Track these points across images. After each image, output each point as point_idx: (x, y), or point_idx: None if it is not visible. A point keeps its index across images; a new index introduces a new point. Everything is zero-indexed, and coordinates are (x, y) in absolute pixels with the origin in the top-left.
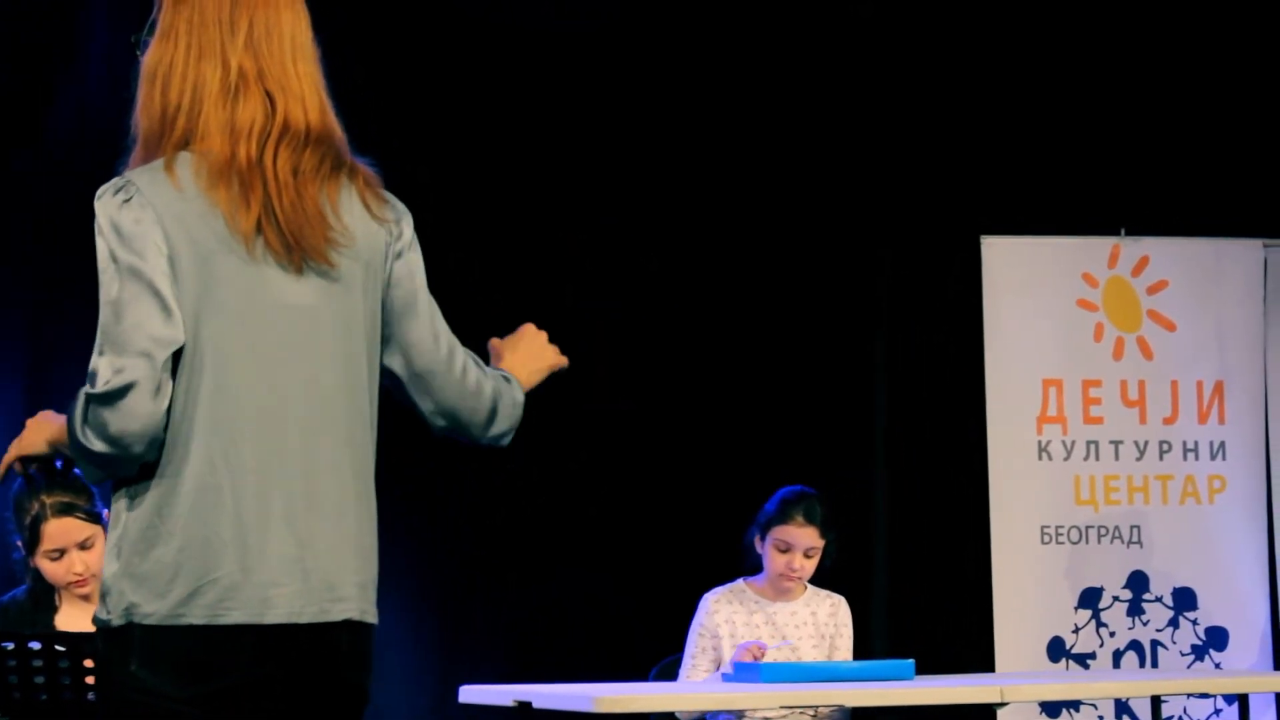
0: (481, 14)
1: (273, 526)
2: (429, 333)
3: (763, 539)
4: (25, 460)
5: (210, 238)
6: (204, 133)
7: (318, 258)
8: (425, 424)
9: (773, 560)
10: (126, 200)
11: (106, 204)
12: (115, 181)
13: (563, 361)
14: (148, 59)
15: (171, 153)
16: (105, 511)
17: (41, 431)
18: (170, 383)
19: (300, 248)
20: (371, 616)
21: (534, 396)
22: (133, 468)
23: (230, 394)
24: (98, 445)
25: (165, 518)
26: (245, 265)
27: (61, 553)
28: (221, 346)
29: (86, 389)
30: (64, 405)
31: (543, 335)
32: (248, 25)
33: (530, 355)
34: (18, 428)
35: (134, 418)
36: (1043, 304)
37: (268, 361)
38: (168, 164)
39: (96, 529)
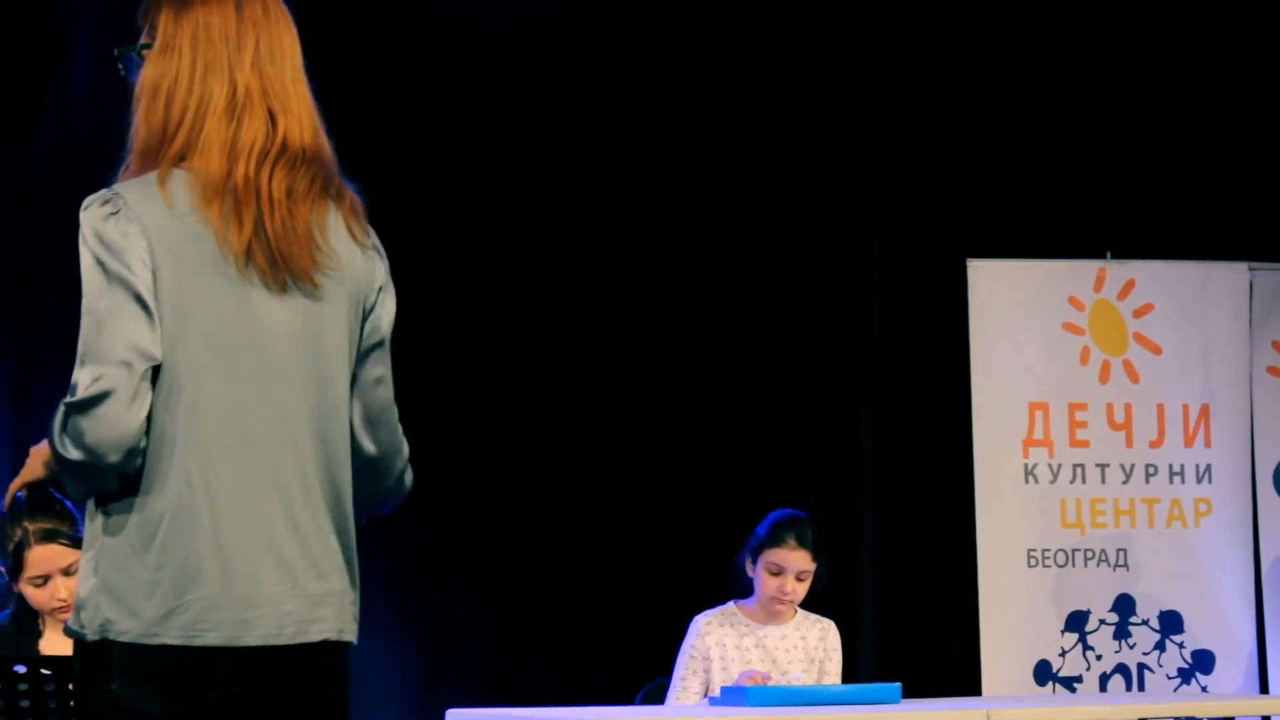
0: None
1: (250, 547)
2: (388, 375)
3: (754, 562)
4: (27, 487)
5: (196, 256)
6: (203, 149)
7: (304, 278)
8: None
9: (764, 583)
10: (113, 213)
11: (92, 214)
12: (102, 193)
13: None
14: (149, 72)
15: (166, 167)
16: None
17: (38, 457)
18: (149, 393)
19: (287, 267)
20: (350, 635)
21: (519, 421)
22: (112, 479)
23: (208, 414)
24: (74, 454)
25: (143, 536)
26: (229, 285)
27: (45, 579)
28: (199, 367)
29: (65, 399)
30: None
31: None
32: (254, 44)
33: None
34: (2, 451)
35: (110, 426)
36: (1029, 327)
37: (245, 383)
38: (161, 178)
39: (80, 555)
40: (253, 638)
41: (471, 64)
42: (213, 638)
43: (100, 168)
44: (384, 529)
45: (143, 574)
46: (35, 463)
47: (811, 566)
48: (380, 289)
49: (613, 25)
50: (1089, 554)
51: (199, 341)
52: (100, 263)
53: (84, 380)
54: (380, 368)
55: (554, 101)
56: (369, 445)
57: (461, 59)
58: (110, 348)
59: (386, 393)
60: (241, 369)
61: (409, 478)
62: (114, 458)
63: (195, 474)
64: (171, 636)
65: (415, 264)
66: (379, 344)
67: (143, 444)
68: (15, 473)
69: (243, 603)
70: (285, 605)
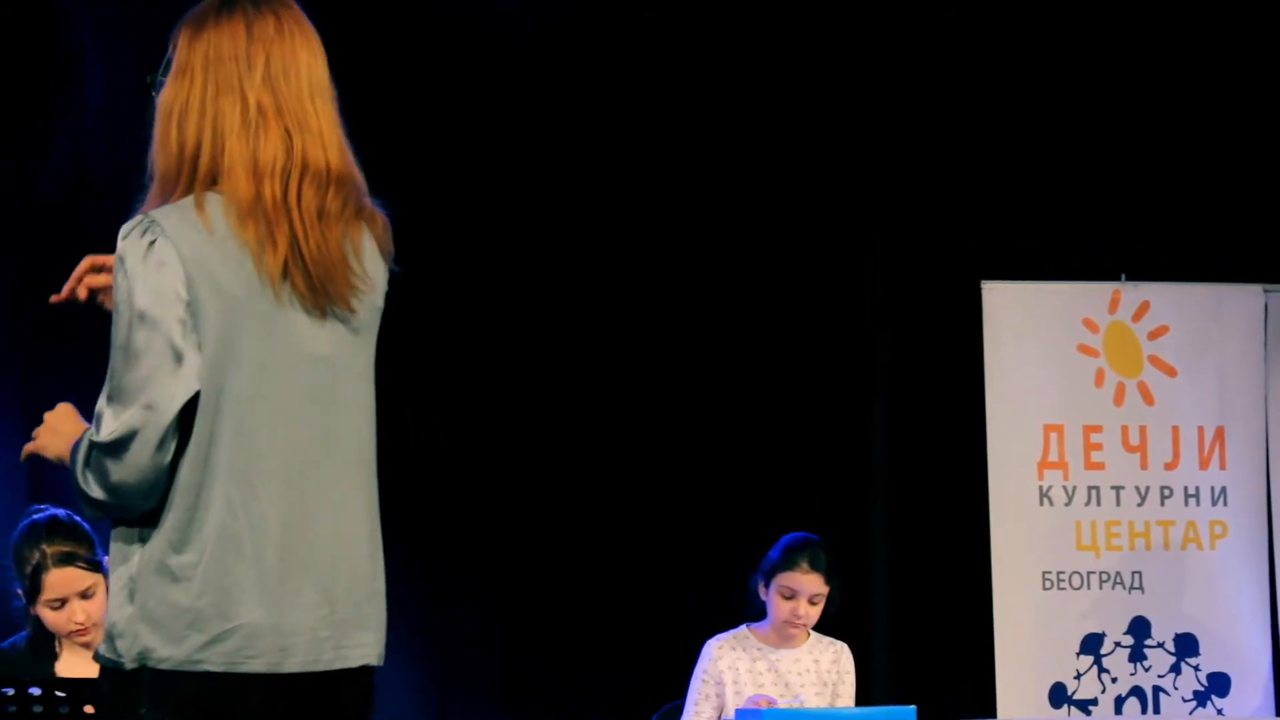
0: (454, 12)
1: (293, 574)
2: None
3: (767, 585)
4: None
5: (236, 281)
6: (229, 169)
7: (341, 304)
8: None
9: (777, 607)
10: (151, 242)
11: (131, 244)
12: (140, 220)
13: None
14: (164, 96)
15: (201, 190)
16: (105, 560)
17: (57, 435)
18: (175, 437)
19: (326, 293)
20: (379, 660)
21: (532, 440)
22: (131, 514)
23: (251, 442)
24: (96, 492)
25: (185, 563)
26: (271, 310)
27: (63, 602)
28: (243, 394)
29: (90, 434)
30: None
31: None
32: (264, 61)
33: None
34: (13, 472)
35: (134, 469)
36: (1043, 349)
37: (289, 410)
38: (198, 202)
39: (98, 578)
40: (292, 664)
41: (475, 65)
42: (255, 665)
43: (108, 196)
44: (396, 549)
45: (185, 601)
46: (50, 440)
47: (824, 590)
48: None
49: (618, 29)
50: (1104, 576)
51: (242, 368)
52: (134, 298)
53: (110, 420)
54: None
55: (558, 106)
56: None
57: (464, 60)
58: (139, 389)
59: None
60: (286, 396)
61: None
62: (136, 499)
63: (238, 501)
64: (214, 664)
65: (419, 267)
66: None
67: (164, 484)
68: (30, 493)
69: (285, 630)
70: (323, 631)
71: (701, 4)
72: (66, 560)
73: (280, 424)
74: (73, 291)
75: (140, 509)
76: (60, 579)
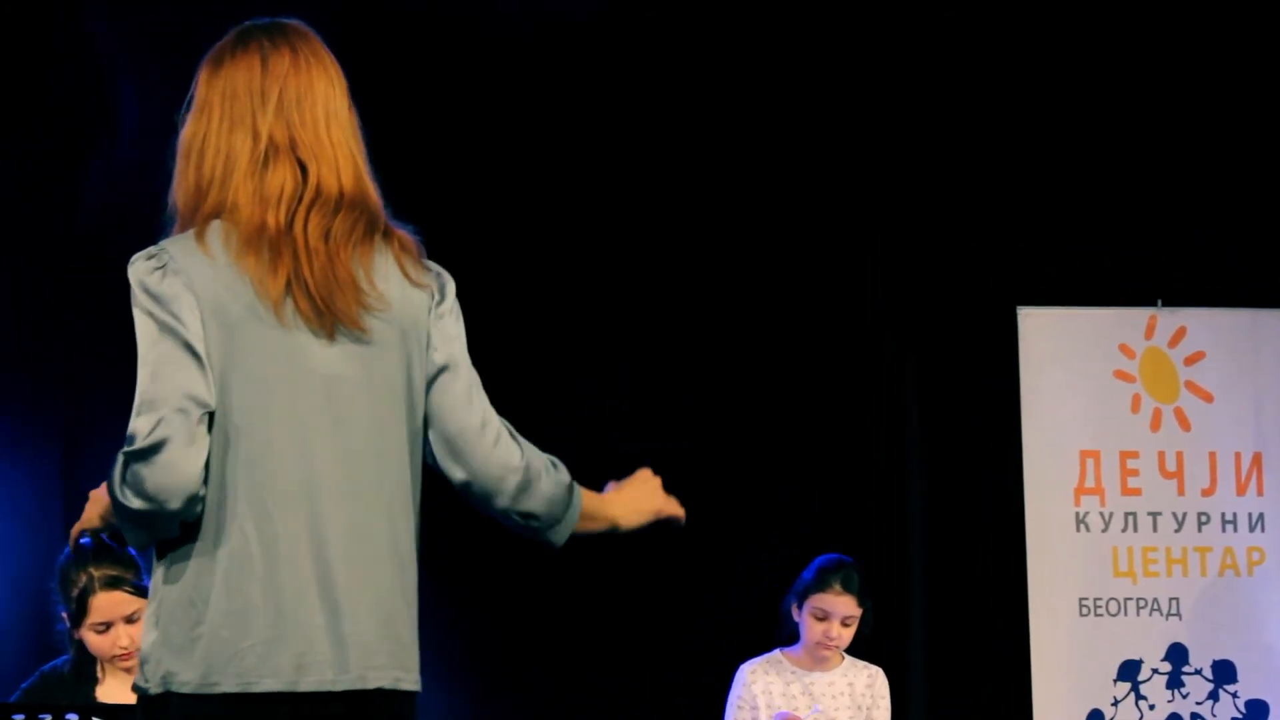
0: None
1: (306, 595)
2: (464, 398)
3: (800, 607)
4: (82, 534)
5: (238, 306)
6: (234, 203)
7: (349, 323)
8: (458, 494)
9: (810, 629)
10: (159, 267)
11: (139, 269)
12: (148, 249)
13: (674, 511)
14: (183, 134)
15: (203, 223)
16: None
17: (96, 505)
18: (207, 438)
19: (331, 313)
20: (409, 684)
21: (587, 470)
22: (173, 526)
23: (262, 463)
24: (136, 503)
25: (200, 587)
26: (275, 333)
27: (108, 626)
28: (252, 415)
29: (124, 448)
30: (104, 475)
31: (656, 481)
32: (278, 94)
33: (635, 496)
34: (53, 496)
35: (170, 472)
36: (1079, 375)
37: (299, 429)
38: (199, 233)
39: (143, 603)
40: (308, 684)
41: (470, 63)
42: (268, 684)
43: (147, 224)
44: (464, 587)
45: (199, 625)
46: (92, 512)
47: (857, 612)
48: (440, 316)
49: (618, 30)
50: (1141, 603)
51: (252, 390)
52: (150, 314)
53: (141, 429)
54: (449, 395)
55: (555, 107)
56: (456, 473)
57: (460, 58)
58: (166, 395)
59: (465, 417)
60: (296, 415)
61: (545, 487)
62: (175, 504)
63: (250, 523)
64: (229, 684)
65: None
66: (444, 369)
67: (202, 491)
68: (68, 515)
69: (298, 649)
70: (341, 651)
71: (710, 4)
72: (113, 584)
73: (291, 445)
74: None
75: (180, 516)
76: (106, 603)
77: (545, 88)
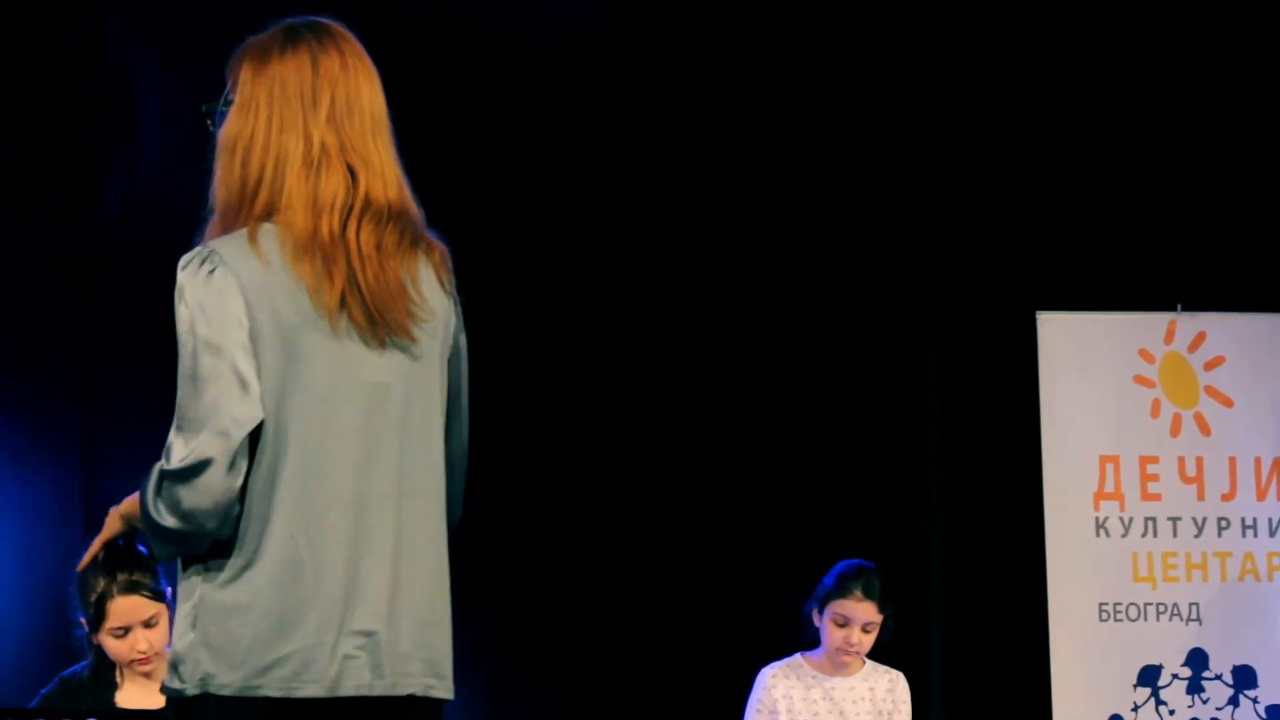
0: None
1: (352, 602)
2: (466, 417)
3: (820, 613)
4: (106, 546)
5: (294, 312)
6: (286, 204)
7: (400, 333)
8: None
9: (830, 634)
10: (211, 271)
11: (190, 274)
12: (199, 251)
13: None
14: (227, 130)
15: (255, 223)
16: (168, 590)
17: (117, 520)
18: (245, 461)
19: (384, 322)
20: (441, 691)
21: (588, 470)
22: (203, 545)
23: (313, 470)
24: (169, 521)
25: (246, 591)
26: (329, 341)
27: (126, 630)
28: (305, 423)
29: (161, 464)
30: (121, 478)
31: None
32: (329, 99)
33: None
34: (72, 501)
35: (207, 495)
36: (1099, 380)
37: (351, 439)
38: (251, 234)
39: (161, 607)
40: (347, 689)
41: (470, 64)
42: (310, 690)
43: (166, 228)
44: (465, 587)
45: (245, 628)
46: (114, 520)
47: (878, 618)
48: (460, 330)
49: (618, 30)
50: (1161, 608)
51: (303, 396)
52: (196, 326)
53: (180, 448)
54: (460, 414)
55: (553, 108)
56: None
57: (460, 60)
58: (207, 416)
59: (461, 441)
60: (348, 424)
61: (457, 514)
62: (210, 525)
63: (299, 530)
64: (271, 689)
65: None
66: (460, 390)
67: (236, 510)
68: (87, 520)
69: (341, 656)
70: (379, 658)
71: (711, 6)
72: (131, 589)
73: (342, 452)
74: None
75: (212, 536)
76: (125, 607)
77: (545, 88)
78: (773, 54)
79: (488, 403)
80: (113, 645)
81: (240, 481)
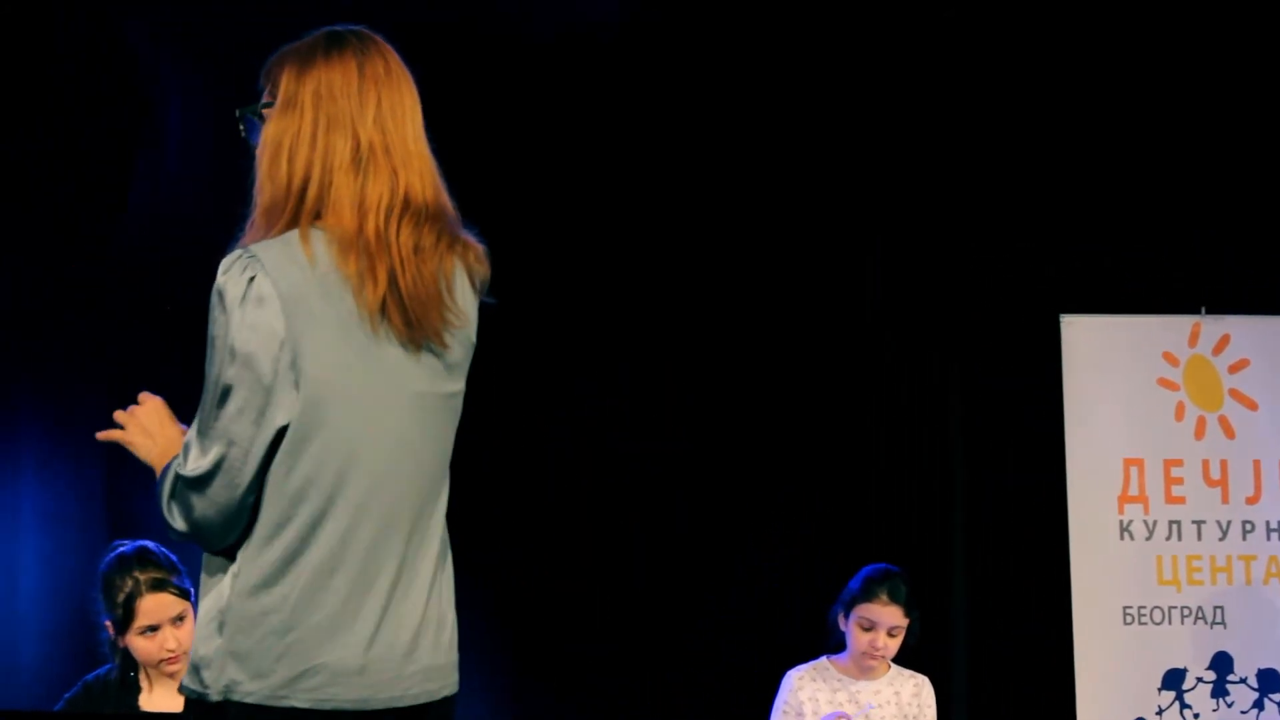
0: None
1: (381, 612)
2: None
3: (846, 616)
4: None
5: (335, 314)
6: (335, 205)
7: (435, 340)
8: None
9: (856, 638)
10: (251, 278)
11: (230, 279)
12: (240, 255)
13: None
14: (272, 129)
15: (306, 225)
16: (192, 589)
17: (148, 436)
18: (257, 474)
19: (421, 328)
20: (455, 688)
21: (588, 470)
22: (211, 548)
23: (349, 477)
24: (179, 524)
25: (275, 597)
26: (369, 346)
27: (155, 629)
28: (339, 429)
29: (178, 466)
30: (144, 483)
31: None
32: (376, 101)
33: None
34: (95, 506)
35: (215, 505)
36: (1123, 383)
37: (385, 446)
38: (303, 235)
39: (187, 605)
40: (379, 701)
41: (470, 65)
42: (341, 702)
43: (190, 231)
44: (466, 587)
45: (272, 637)
46: (141, 441)
47: (904, 622)
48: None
49: (619, 31)
50: (1185, 611)
51: (340, 403)
52: (229, 333)
53: (195, 453)
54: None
55: (553, 108)
56: None
57: (460, 60)
58: (227, 426)
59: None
60: (382, 431)
61: None
62: (215, 535)
63: (335, 536)
64: (299, 700)
65: None
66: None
67: (245, 520)
68: (111, 525)
69: (371, 667)
70: (410, 668)
71: (713, 6)
72: (159, 586)
73: (376, 460)
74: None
75: (220, 544)
76: (154, 605)
77: (545, 89)
78: (781, 54)
79: (488, 403)
80: (141, 645)
81: (251, 496)
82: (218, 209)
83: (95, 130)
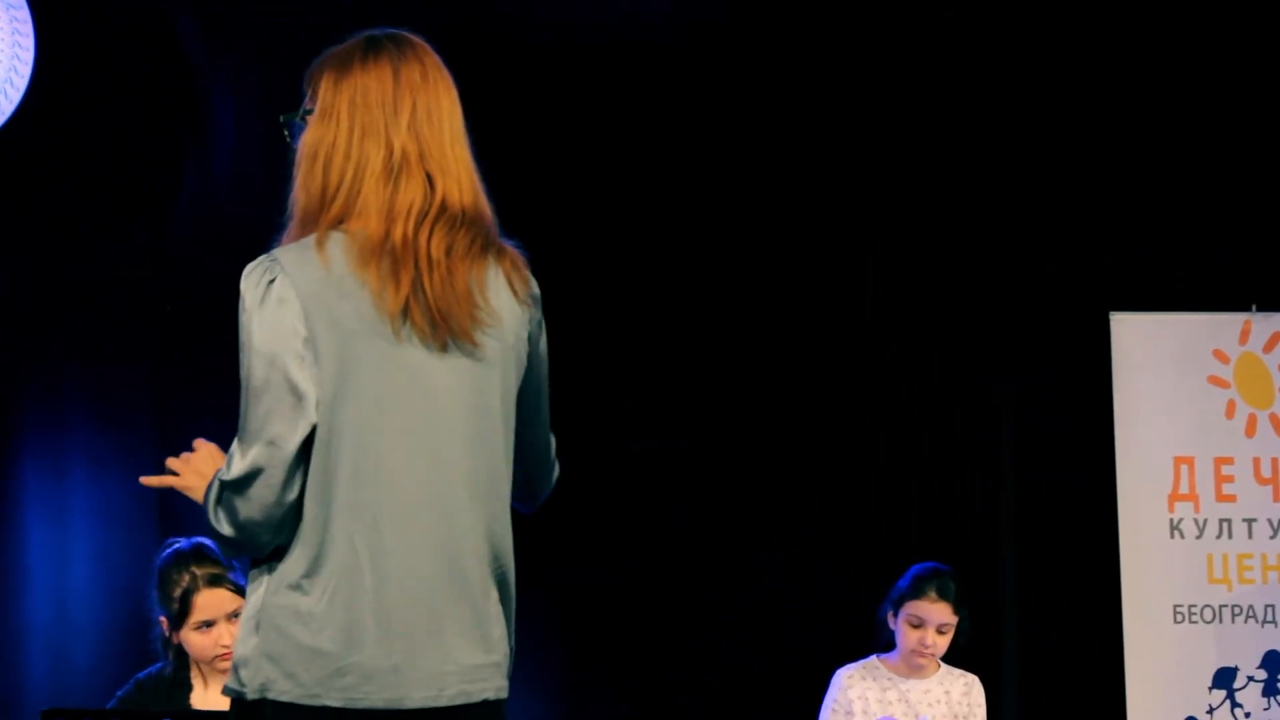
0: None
1: (413, 610)
2: (546, 416)
3: (895, 615)
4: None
5: (353, 318)
6: (361, 211)
7: (463, 337)
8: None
9: (905, 636)
10: (271, 281)
11: (250, 284)
12: (261, 260)
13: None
14: (309, 137)
15: (325, 231)
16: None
17: (201, 478)
18: (299, 472)
19: (446, 326)
20: (505, 692)
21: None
22: (261, 551)
23: (371, 477)
24: (226, 529)
25: (306, 598)
26: (388, 346)
27: (210, 624)
28: (361, 429)
29: (221, 473)
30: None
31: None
32: (410, 107)
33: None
34: (148, 503)
35: (259, 506)
36: (1173, 381)
37: (410, 445)
38: (319, 241)
39: (243, 601)
40: (414, 701)
41: (472, 65)
42: (374, 701)
43: (239, 232)
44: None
45: (307, 636)
46: (194, 482)
47: (953, 619)
48: (537, 337)
49: (627, 36)
50: (1236, 610)
51: (362, 404)
52: (253, 336)
53: (238, 459)
54: (539, 414)
55: (561, 108)
56: (518, 475)
57: (462, 61)
58: (262, 427)
59: (545, 435)
60: (405, 430)
61: (554, 476)
62: (264, 537)
63: (359, 536)
64: (333, 699)
65: None
66: (537, 389)
67: (290, 520)
68: (163, 522)
69: (405, 666)
70: (446, 667)
71: (714, 6)
72: (216, 582)
73: (401, 458)
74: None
75: (269, 546)
76: (211, 600)
77: (544, 89)
78: (783, 55)
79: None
80: (196, 641)
81: (294, 494)
82: (271, 210)
83: (148, 128)
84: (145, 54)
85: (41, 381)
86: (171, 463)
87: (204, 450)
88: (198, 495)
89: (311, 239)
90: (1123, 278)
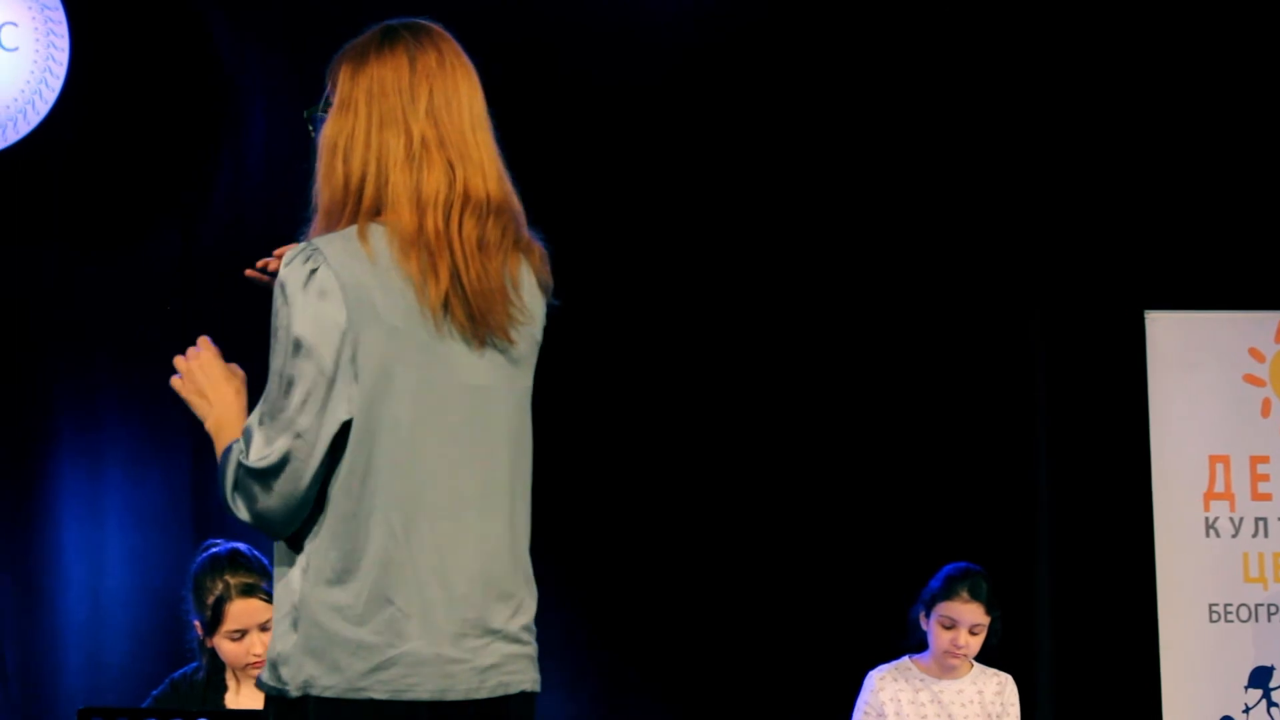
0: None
1: (455, 603)
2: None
3: (928, 615)
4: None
5: (397, 311)
6: (393, 201)
7: (500, 335)
8: None
9: (937, 637)
10: (314, 270)
11: (293, 271)
12: (303, 248)
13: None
14: (328, 130)
15: (365, 221)
16: None
17: (203, 398)
18: (322, 467)
19: (485, 324)
20: (539, 685)
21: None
22: (277, 536)
23: (410, 471)
24: (243, 514)
25: (347, 592)
26: (430, 341)
27: (243, 633)
28: (401, 423)
29: (240, 454)
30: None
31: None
32: (428, 94)
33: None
34: (183, 504)
35: (280, 497)
36: (1209, 379)
37: (447, 440)
38: (361, 232)
39: None
40: (457, 693)
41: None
42: (419, 693)
43: (268, 233)
44: (552, 591)
45: (347, 630)
46: (202, 404)
47: (985, 620)
48: (543, 332)
49: (636, 35)
50: (1273, 609)
51: (401, 398)
52: (292, 325)
53: (260, 444)
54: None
55: (563, 108)
56: None
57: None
58: (292, 418)
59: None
60: (443, 425)
61: None
62: (280, 526)
63: (400, 530)
64: (378, 692)
65: None
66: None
67: (306, 512)
68: (198, 523)
69: (449, 658)
70: (487, 659)
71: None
72: (249, 592)
73: (439, 454)
74: (264, 269)
75: (283, 533)
76: (243, 610)
77: (553, 92)
78: (791, 54)
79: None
80: (228, 649)
81: (315, 488)
82: (299, 209)
83: (181, 129)
84: (178, 56)
85: (77, 382)
86: (177, 361)
87: (204, 356)
88: (196, 410)
89: (353, 230)
90: (1158, 276)
